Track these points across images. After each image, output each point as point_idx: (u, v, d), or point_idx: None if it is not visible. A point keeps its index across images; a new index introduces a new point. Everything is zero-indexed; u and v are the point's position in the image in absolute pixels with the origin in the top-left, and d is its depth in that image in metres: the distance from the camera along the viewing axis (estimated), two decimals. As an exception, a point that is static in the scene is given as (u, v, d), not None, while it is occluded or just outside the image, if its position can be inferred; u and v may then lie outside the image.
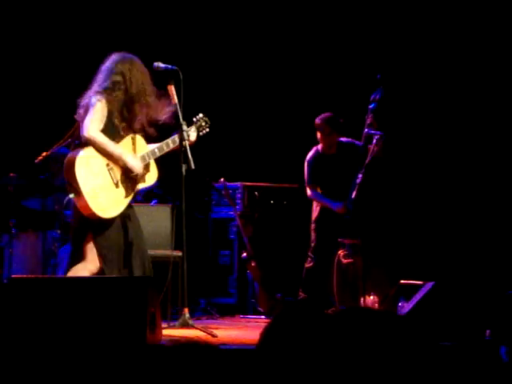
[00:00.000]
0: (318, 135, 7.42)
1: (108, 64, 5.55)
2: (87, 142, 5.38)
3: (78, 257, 5.43)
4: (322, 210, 7.41)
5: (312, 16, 8.71)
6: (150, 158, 5.63)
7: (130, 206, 5.61)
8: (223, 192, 8.02)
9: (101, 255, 5.38)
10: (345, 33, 8.54)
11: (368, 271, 6.81)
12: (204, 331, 5.82)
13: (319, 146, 7.49)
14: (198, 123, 5.96)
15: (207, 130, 6.02)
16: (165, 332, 5.30)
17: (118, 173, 5.48)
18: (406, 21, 8.23)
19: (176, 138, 5.75)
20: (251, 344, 5.08)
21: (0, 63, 8.15)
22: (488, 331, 5.30)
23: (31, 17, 8.31)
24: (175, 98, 5.91)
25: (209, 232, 8.55)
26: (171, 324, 6.09)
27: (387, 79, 6.98)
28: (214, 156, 8.39)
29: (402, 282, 6.22)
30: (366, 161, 6.94)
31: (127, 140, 5.56)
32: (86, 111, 5.41)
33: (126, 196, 5.52)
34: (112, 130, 5.48)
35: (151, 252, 6.77)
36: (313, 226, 7.50)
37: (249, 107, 8.92)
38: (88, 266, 5.40)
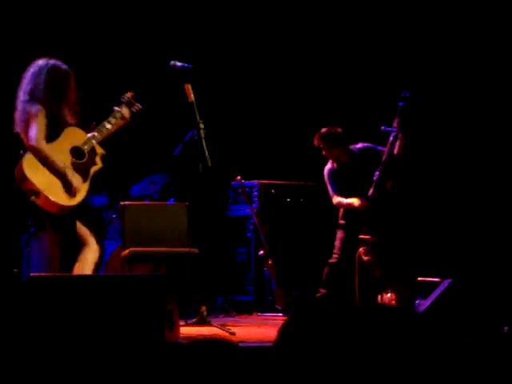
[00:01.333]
0: (323, 152, 7.32)
1: (33, 71, 5.61)
2: (33, 152, 5.50)
3: (76, 247, 5.55)
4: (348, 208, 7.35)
5: (339, 13, 8.69)
6: (93, 143, 5.69)
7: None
8: (240, 190, 8.03)
9: (95, 237, 5.61)
10: (362, 32, 8.51)
11: (385, 268, 6.80)
12: (222, 329, 5.83)
13: None
14: (127, 100, 5.90)
15: (139, 105, 5.92)
16: (183, 330, 5.32)
17: (67, 163, 5.59)
18: (442, 21, 8.17)
19: (111, 118, 5.77)
20: (269, 341, 5.08)
21: (9, 67, 8.18)
22: (506, 328, 5.28)
23: (42, 22, 8.34)
24: (192, 96, 5.93)
25: (226, 230, 8.56)
26: (189, 322, 6.11)
27: (419, 78, 6.93)
28: (230, 154, 8.40)
29: (419, 279, 6.21)
30: (383, 158, 6.92)
31: (65, 133, 5.63)
32: (27, 122, 5.51)
33: (85, 180, 5.63)
34: (54, 134, 5.58)
35: (169, 250, 6.82)
36: (341, 222, 7.39)
37: (265, 105, 8.93)
38: (92, 247, 5.58)
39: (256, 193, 8.32)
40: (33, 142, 5.49)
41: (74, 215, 5.61)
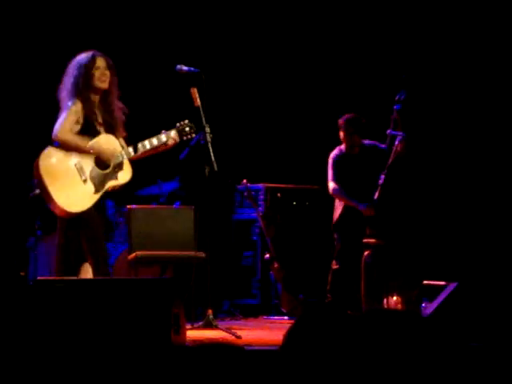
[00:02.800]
0: (341, 135, 7.41)
1: (73, 66, 5.60)
2: (58, 143, 5.49)
3: (79, 257, 5.54)
4: (345, 210, 7.37)
5: (336, 16, 8.70)
6: (123, 158, 5.63)
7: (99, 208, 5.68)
8: (246, 193, 8.04)
9: (89, 251, 5.51)
10: (369, 33, 8.51)
11: (392, 272, 6.80)
12: (228, 332, 5.84)
13: (342, 146, 7.48)
14: (181, 127, 5.85)
15: (192, 135, 5.87)
16: (189, 333, 5.33)
17: (86, 170, 5.53)
18: (431, 21, 8.18)
19: (153, 139, 5.72)
20: (275, 345, 5.09)
21: (20, 69, 8.22)
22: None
23: (48, 24, 8.37)
24: (198, 100, 5.94)
25: (232, 233, 8.57)
26: (195, 325, 6.12)
27: (412, 80, 6.96)
28: (236, 158, 8.41)
29: (425, 282, 6.22)
30: (388, 162, 6.94)
31: (99, 138, 5.57)
32: (60, 114, 5.52)
33: (96, 192, 5.53)
34: (89, 130, 5.55)
35: (175, 253, 6.83)
36: (337, 224, 7.45)
37: (271, 109, 8.94)
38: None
39: (262, 196, 8.33)
40: (54, 133, 5.46)
41: (81, 223, 5.52)
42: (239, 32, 8.83)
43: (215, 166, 5.80)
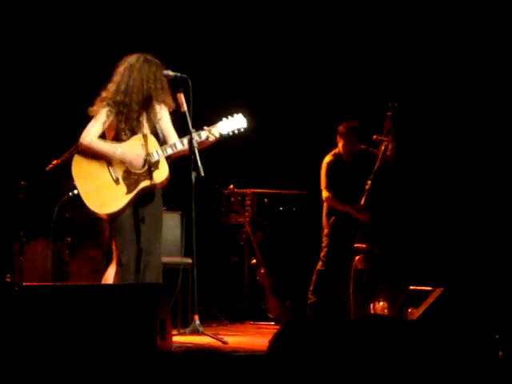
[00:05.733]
0: (341, 142, 7.39)
1: (116, 70, 5.67)
2: (81, 149, 5.52)
3: (109, 259, 5.56)
4: (337, 216, 7.37)
5: (325, 22, 8.73)
6: (159, 156, 5.63)
7: (152, 208, 5.63)
8: (232, 199, 8.04)
9: (117, 255, 5.49)
10: (362, 40, 8.53)
11: (379, 277, 6.82)
12: (214, 338, 5.83)
13: (338, 152, 7.48)
14: (226, 121, 5.97)
15: (241, 129, 6.07)
16: (175, 339, 5.32)
17: (119, 170, 5.54)
18: (426, 28, 8.21)
19: (185, 139, 5.76)
20: (261, 350, 5.09)
21: (12, 72, 8.21)
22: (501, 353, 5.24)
23: (46, 29, 8.37)
24: (185, 105, 5.94)
25: (218, 239, 8.57)
26: (181, 331, 6.11)
27: (406, 87, 6.98)
28: (223, 163, 8.41)
29: (411, 287, 6.23)
30: (375, 167, 6.96)
31: (134, 138, 5.59)
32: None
33: (128, 193, 5.53)
34: (122, 132, 5.57)
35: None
36: (326, 230, 7.46)
37: (257, 114, 8.93)
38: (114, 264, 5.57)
39: (249, 202, 8.34)
40: (80, 138, 5.49)
41: (112, 226, 5.52)
42: (228, 37, 8.83)
43: (202, 171, 5.80)
